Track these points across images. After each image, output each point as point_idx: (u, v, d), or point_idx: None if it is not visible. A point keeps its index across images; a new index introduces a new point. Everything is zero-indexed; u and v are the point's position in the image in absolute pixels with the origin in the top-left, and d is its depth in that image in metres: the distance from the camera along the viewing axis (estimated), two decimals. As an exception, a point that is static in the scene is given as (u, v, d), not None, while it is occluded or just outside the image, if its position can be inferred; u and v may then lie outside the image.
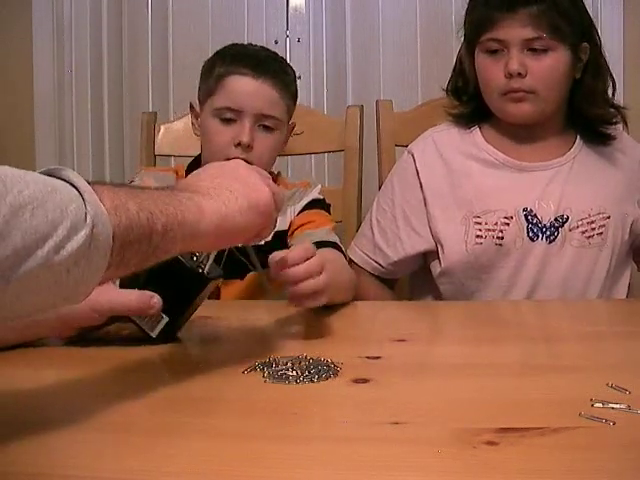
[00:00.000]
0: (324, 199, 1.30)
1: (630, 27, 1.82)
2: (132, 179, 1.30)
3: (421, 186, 1.29)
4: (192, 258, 0.82)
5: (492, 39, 1.20)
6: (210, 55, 1.29)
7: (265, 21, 1.95)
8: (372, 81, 1.93)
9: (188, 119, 1.54)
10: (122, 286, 0.80)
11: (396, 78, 1.92)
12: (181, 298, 0.83)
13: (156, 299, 0.78)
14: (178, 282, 0.81)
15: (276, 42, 1.95)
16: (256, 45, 1.32)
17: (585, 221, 1.24)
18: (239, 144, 1.18)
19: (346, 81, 1.93)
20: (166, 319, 0.81)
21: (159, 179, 1.25)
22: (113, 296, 0.77)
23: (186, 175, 1.26)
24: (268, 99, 1.20)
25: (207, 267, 0.82)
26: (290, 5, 1.95)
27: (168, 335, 0.82)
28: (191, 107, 1.29)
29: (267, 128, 1.21)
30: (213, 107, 1.21)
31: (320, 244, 1.18)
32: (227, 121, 1.20)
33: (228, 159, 1.16)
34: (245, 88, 1.19)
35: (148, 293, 0.78)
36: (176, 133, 1.56)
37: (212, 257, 0.83)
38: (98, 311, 0.78)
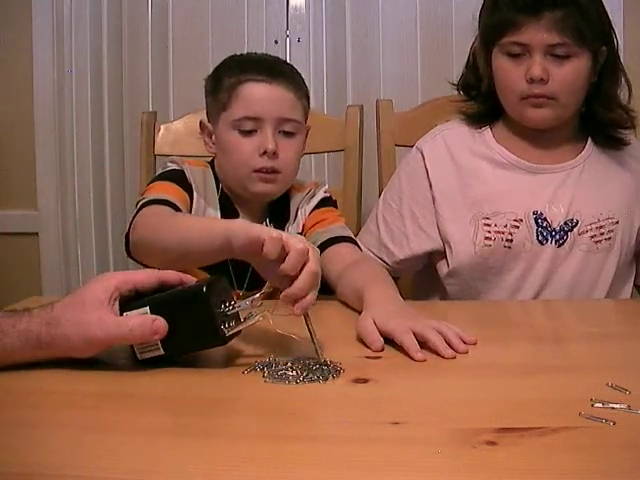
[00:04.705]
0: (331, 196, 1.29)
1: (630, 27, 1.82)
2: (180, 168, 1.20)
3: (430, 185, 1.28)
4: (222, 306, 0.75)
5: (515, 42, 1.17)
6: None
7: (265, 21, 1.95)
8: (372, 81, 1.92)
9: (188, 119, 1.55)
10: (123, 306, 0.73)
11: (396, 78, 1.92)
12: (189, 343, 0.75)
13: (159, 322, 0.71)
14: (195, 329, 0.73)
15: (276, 42, 1.95)
16: (255, 52, 1.29)
17: (594, 226, 1.23)
18: (264, 153, 1.13)
19: (346, 81, 1.93)
20: (161, 352, 0.73)
21: (199, 174, 1.21)
22: (111, 326, 0.70)
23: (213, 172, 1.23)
24: (286, 102, 1.16)
25: (233, 331, 0.75)
26: (290, 5, 1.95)
27: (155, 362, 0.74)
28: (201, 125, 1.23)
29: (288, 134, 1.16)
30: (230, 119, 1.15)
31: (335, 240, 1.18)
32: (247, 133, 1.15)
33: (255, 170, 1.14)
34: (262, 94, 1.14)
35: (150, 317, 0.71)
36: (176, 133, 1.56)
37: (243, 326, 0.76)
38: (93, 344, 0.71)
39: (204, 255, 0.87)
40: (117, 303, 0.72)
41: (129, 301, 0.74)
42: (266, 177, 1.16)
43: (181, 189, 1.15)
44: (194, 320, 0.73)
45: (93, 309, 0.70)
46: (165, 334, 0.72)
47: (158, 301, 0.74)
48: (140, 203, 1.09)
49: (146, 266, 1.03)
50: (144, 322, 0.71)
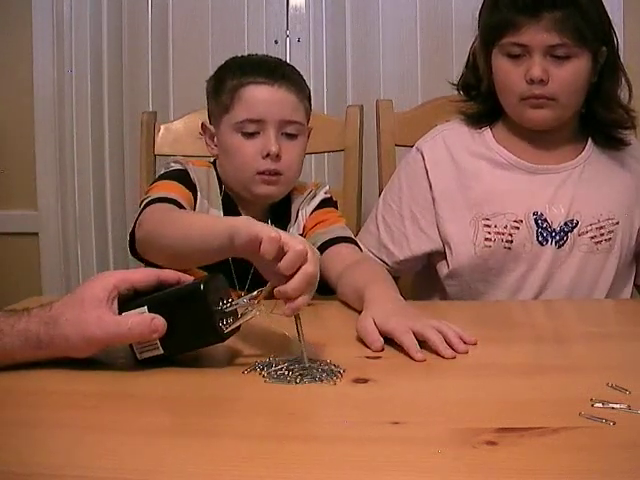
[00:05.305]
0: (331, 197, 1.29)
1: (630, 27, 1.82)
2: (183, 168, 1.20)
3: (430, 186, 1.28)
4: (220, 303, 0.75)
5: (514, 43, 1.17)
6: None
7: (265, 21, 1.95)
8: (372, 81, 1.92)
9: (188, 119, 1.55)
10: (121, 307, 0.72)
11: (396, 78, 1.92)
12: (188, 342, 0.75)
13: (158, 320, 0.71)
14: (194, 326, 0.73)
15: (276, 42, 1.95)
16: (256, 54, 1.29)
17: (594, 226, 1.23)
18: (267, 155, 1.13)
19: (346, 81, 1.93)
20: (160, 351, 0.73)
21: (202, 174, 1.21)
22: (110, 325, 0.70)
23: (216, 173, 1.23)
24: (288, 104, 1.15)
25: (231, 327, 0.75)
26: (290, 5, 1.95)
27: (154, 362, 0.74)
28: (203, 128, 1.23)
29: (290, 136, 1.16)
30: (233, 122, 1.15)
31: (336, 240, 1.17)
32: (250, 135, 1.14)
33: (258, 172, 1.14)
34: (264, 96, 1.14)
35: (148, 316, 0.71)
36: (176, 133, 1.56)
37: (240, 322, 0.76)
38: (92, 343, 0.71)
39: (207, 252, 0.87)
40: (116, 302, 0.72)
41: (127, 301, 0.74)
42: (269, 179, 1.16)
43: (185, 188, 1.15)
44: (192, 318, 0.73)
45: (92, 308, 0.70)
46: (164, 332, 0.72)
47: (156, 300, 0.74)
48: (145, 201, 1.08)
49: (150, 264, 1.03)
50: (143, 320, 0.71)
